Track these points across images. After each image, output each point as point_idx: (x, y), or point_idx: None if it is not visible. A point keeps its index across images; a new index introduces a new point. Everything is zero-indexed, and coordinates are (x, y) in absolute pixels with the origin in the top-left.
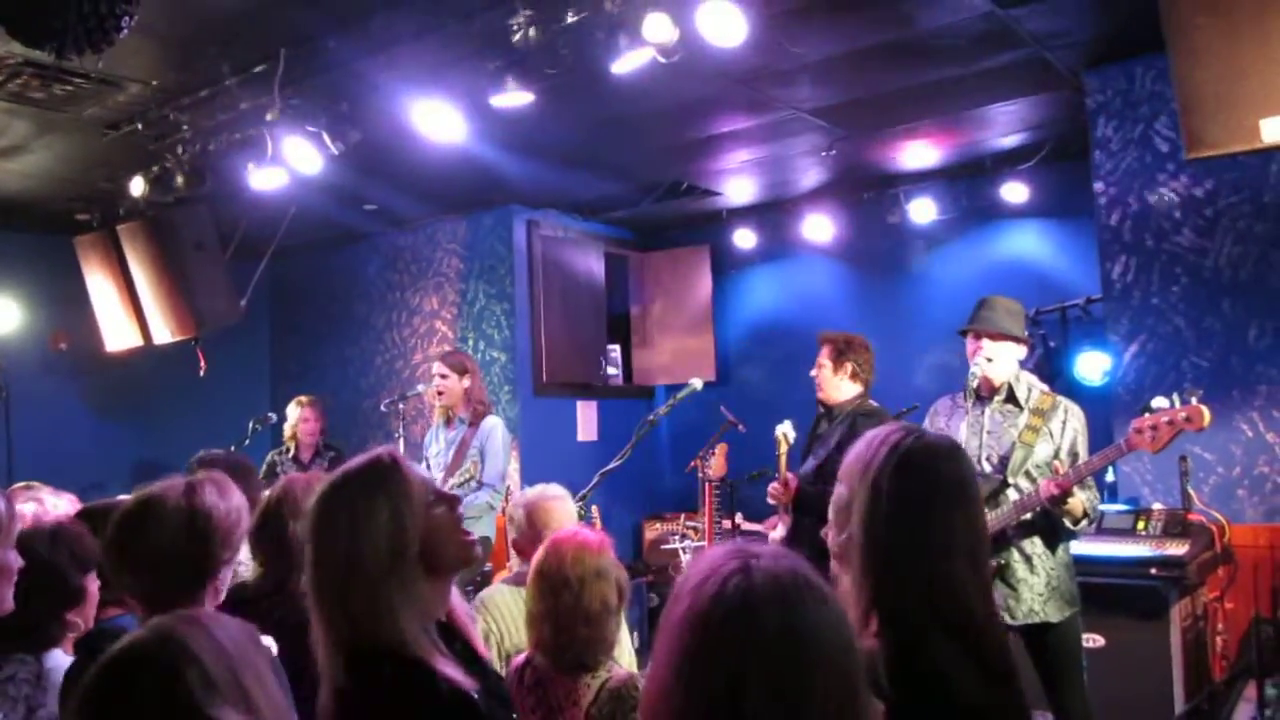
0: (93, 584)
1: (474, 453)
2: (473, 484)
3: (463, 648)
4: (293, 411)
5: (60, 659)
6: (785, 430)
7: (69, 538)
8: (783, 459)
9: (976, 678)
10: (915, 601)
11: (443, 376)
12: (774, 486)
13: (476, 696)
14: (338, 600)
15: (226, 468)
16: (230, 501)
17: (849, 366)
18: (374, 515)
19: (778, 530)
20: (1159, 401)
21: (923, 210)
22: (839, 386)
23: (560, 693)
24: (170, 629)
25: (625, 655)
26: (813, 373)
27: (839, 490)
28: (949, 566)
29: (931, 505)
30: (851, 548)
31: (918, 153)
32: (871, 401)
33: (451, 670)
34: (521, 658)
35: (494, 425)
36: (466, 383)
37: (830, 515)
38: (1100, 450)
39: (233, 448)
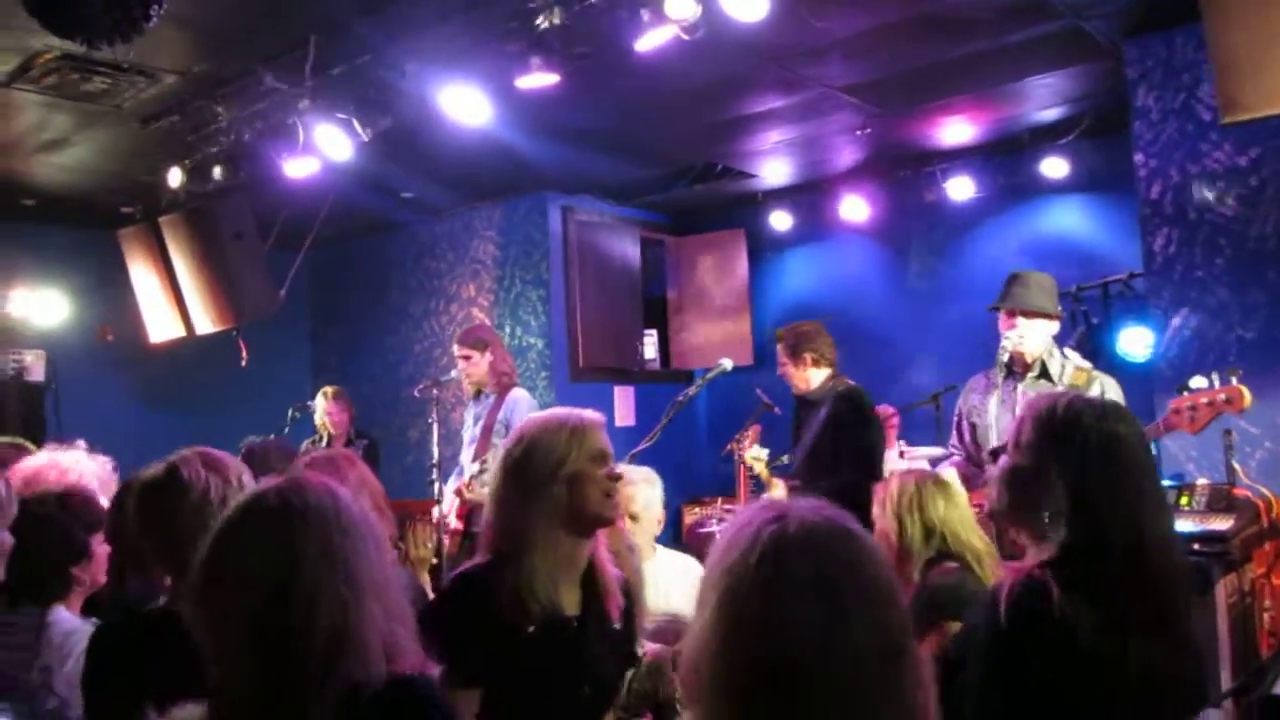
0: (99, 545)
1: (500, 428)
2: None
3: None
4: (319, 402)
5: (63, 614)
6: (756, 455)
7: (78, 501)
8: (764, 475)
9: (1148, 639)
10: (1119, 555)
11: (465, 358)
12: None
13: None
14: (498, 500)
15: (272, 454)
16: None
17: (807, 357)
18: (553, 439)
19: None
20: (1198, 381)
21: (961, 188)
22: (806, 377)
23: None
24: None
25: None
26: (778, 372)
27: (1016, 461)
28: (1159, 519)
29: (1132, 467)
30: (1049, 509)
31: (954, 129)
32: (845, 380)
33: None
34: None
35: (518, 398)
36: (490, 356)
37: (1003, 489)
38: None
39: (272, 436)
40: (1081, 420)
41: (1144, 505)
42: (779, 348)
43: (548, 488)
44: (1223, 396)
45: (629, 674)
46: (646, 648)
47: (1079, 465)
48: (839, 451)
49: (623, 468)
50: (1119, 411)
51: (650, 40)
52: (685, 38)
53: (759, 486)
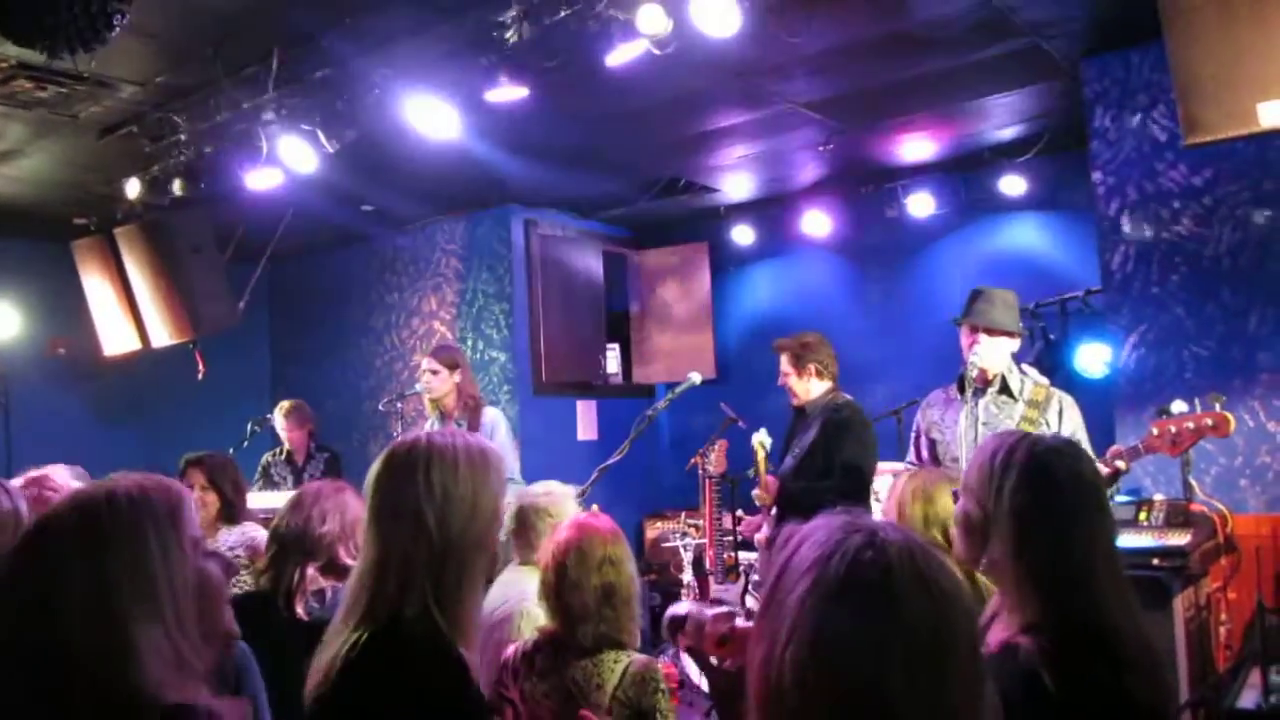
0: None
1: None
2: None
3: None
4: (277, 419)
5: None
6: (761, 439)
7: None
8: (761, 464)
9: (1138, 687)
10: (1071, 615)
11: (433, 372)
12: (757, 491)
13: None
14: (438, 553)
15: (210, 466)
16: None
17: (811, 367)
18: (497, 477)
19: (762, 531)
20: (1179, 406)
21: (921, 204)
22: (807, 388)
23: (580, 675)
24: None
25: None
26: (780, 382)
27: (966, 507)
28: (1092, 580)
29: (1069, 519)
30: (1002, 569)
31: (915, 146)
32: (842, 394)
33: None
34: (529, 642)
35: (495, 418)
36: (458, 378)
37: (959, 533)
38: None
39: (231, 450)
40: (1007, 471)
41: (1073, 558)
42: (783, 357)
43: (492, 534)
44: (1209, 422)
45: (612, 684)
46: (634, 658)
47: (1010, 519)
48: (830, 462)
49: (548, 484)
50: (1060, 455)
51: (621, 55)
52: (656, 52)
53: (726, 502)
